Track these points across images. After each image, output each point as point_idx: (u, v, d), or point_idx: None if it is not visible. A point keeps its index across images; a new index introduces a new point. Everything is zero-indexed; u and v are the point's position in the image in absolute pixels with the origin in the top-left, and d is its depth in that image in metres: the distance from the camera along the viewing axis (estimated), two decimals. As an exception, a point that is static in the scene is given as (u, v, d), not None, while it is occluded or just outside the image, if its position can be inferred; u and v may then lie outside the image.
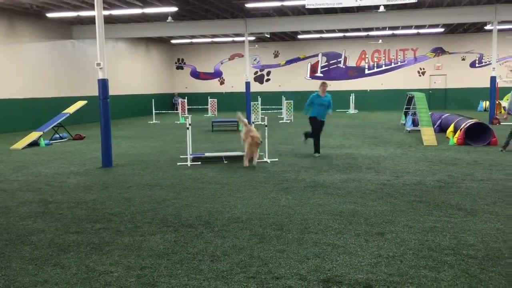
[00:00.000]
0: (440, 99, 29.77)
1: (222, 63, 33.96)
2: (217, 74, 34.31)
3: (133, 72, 29.28)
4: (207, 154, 11.22)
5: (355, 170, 9.56)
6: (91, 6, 17.38)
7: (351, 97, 29.39)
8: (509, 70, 28.92)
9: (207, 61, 34.32)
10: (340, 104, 30.36)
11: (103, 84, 10.61)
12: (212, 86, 34.29)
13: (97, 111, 10.87)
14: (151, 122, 24.78)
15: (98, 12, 10.50)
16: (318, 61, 32.42)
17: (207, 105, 29.85)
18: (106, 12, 18.98)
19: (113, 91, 19.13)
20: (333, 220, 6.02)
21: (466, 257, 4.67)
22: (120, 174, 9.63)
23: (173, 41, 31.75)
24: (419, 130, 14.92)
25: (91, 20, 21.48)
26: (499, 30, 22.06)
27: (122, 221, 6.17)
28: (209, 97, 31.13)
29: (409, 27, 25.29)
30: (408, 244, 5.09)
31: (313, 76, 32.57)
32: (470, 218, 6.05)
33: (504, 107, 22.43)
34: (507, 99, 23.48)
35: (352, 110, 29.06)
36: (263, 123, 11.51)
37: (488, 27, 21.50)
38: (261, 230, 5.64)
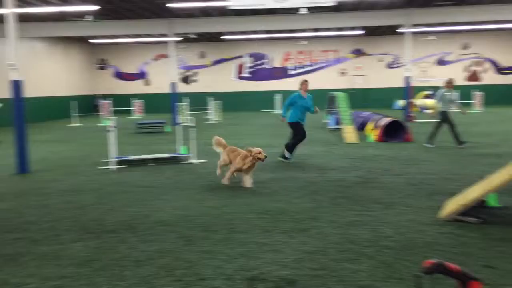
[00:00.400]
0: (360, 98, 31.11)
1: (147, 64, 33.27)
2: (141, 75, 33.56)
3: (52, 73, 27.89)
4: (131, 157, 10.95)
5: (281, 169, 9.75)
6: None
7: (277, 97, 29.93)
8: (421, 71, 30.83)
9: (131, 62, 33.47)
10: (267, 105, 30.83)
11: (17, 86, 10.02)
12: (137, 87, 33.48)
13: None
14: (72, 125, 23.74)
15: (9, 10, 9.90)
16: (244, 62, 32.70)
17: (132, 107, 29.10)
18: (21, 10, 17.92)
19: (30, 92, 18.10)
20: (259, 219, 6.10)
21: (384, 248, 4.92)
22: (37, 181, 9.13)
23: (93, 41, 30.61)
24: (341, 128, 15.50)
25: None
26: (413, 33, 23.45)
27: (40, 229, 5.86)
28: (131, 98, 30.35)
29: (331, 29, 26.19)
30: (331, 239, 5.27)
31: (240, 77, 32.81)
32: (387, 211, 6.38)
33: (415, 105, 23.86)
34: (421, 98, 25.05)
35: (278, 110, 29.60)
36: (190, 124, 11.38)
37: (402, 30, 22.77)
38: (188, 232, 5.59)
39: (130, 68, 33.58)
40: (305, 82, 10.78)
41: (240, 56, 32.71)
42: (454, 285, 1.55)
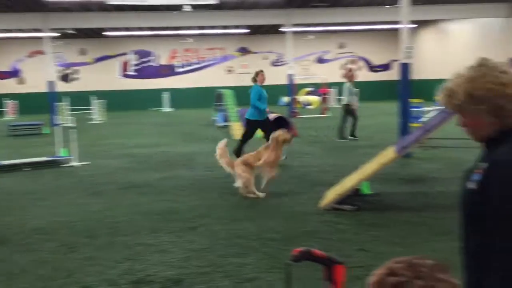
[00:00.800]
0: (247, 95, 31.73)
1: (20, 61, 30.72)
2: (14, 73, 30.92)
3: None
4: (2, 162, 10.05)
5: (169, 168, 9.62)
6: None
7: (165, 95, 29.45)
8: (303, 68, 32.37)
9: (2, 59, 30.66)
10: (155, 103, 30.19)
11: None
12: (10, 86, 30.78)
13: None
14: None
15: None
16: (129, 59, 31.66)
17: (5, 108, 26.72)
18: None
19: None
20: (146, 220, 5.97)
21: (269, 240, 5.10)
22: None
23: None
24: (229, 125, 15.71)
25: None
26: (294, 32, 24.50)
27: None
28: (3, 98, 27.86)
29: (216, 27, 26.38)
30: (218, 235, 5.33)
31: (125, 74, 31.69)
32: (272, 203, 6.62)
33: (298, 101, 24.98)
34: (304, 94, 26.30)
35: (166, 108, 29.15)
36: (70, 124, 10.75)
37: (282, 29, 23.70)
38: (69, 239, 5.29)
39: (1, 65, 30.76)
40: (261, 73, 9.45)
41: (124, 53, 31.58)
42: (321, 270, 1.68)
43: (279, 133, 7.29)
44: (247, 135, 9.48)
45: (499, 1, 21.38)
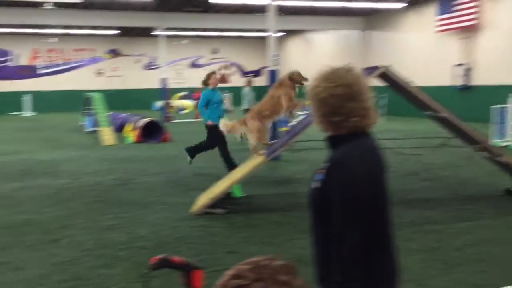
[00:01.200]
0: (118, 99, 30.56)
1: None
2: None
3: None
4: None
5: (29, 177, 8.86)
6: None
7: (26, 98, 27.08)
8: (177, 73, 32.14)
9: None
10: (13, 107, 27.60)
11: None
12: None
13: None
14: None
15: None
16: (-18, 58, 28.58)
17: None
18: None
19: None
20: (0, 235, 5.42)
21: (139, 249, 4.95)
22: None
23: None
24: (99, 130, 14.97)
25: None
26: (168, 36, 24.21)
27: None
28: None
29: (84, 27, 25.01)
30: (84, 246, 5.04)
31: (-23, 75, 28.53)
32: (143, 211, 6.44)
33: (172, 106, 24.73)
34: (177, 99, 26.12)
35: (27, 112, 26.83)
36: None
37: (156, 32, 23.30)
38: None
39: None
40: (213, 75, 8.53)
41: (-24, 52, 28.45)
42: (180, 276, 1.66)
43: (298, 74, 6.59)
44: (215, 140, 8.24)
45: (356, 15, 23.44)
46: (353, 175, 1.77)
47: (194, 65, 33.04)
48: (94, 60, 30.80)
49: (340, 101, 1.84)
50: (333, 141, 1.91)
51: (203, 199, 6.50)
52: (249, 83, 14.49)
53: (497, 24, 16.69)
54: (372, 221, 1.79)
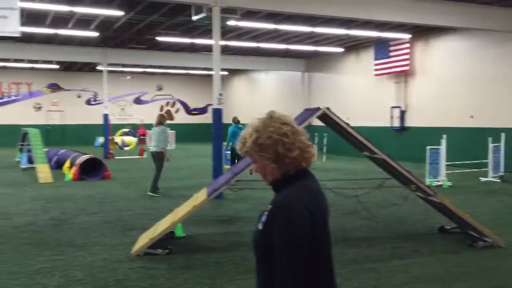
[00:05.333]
0: (58, 135, 29.53)
1: None
2: None
3: None
4: None
5: (-46, 218, 8.28)
6: None
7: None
8: (121, 109, 31.62)
9: None
10: None
11: None
12: None
13: None
14: None
15: None
16: None
17: None
18: None
19: None
20: None
21: (73, 293, 4.72)
22: None
23: None
24: (35, 167, 14.33)
25: None
26: (110, 71, 23.89)
27: None
28: None
29: (22, 60, 24.26)
30: (13, 293, 4.74)
31: None
32: (80, 252, 6.17)
33: (116, 142, 24.23)
34: (120, 135, 25.60)
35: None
36: None
37: (99, 67, 22.99)
38: None
39: None
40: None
41: None
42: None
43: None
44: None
45: (299, 57, 24.28)
46: (293, 218, 1.81)
47: (138, 101, 32.69)
48: (32, 94, 29.77)
49: (274, 146, 1.91)
50: (276, 185, 1.97)
51: (144, 239, 6.33)
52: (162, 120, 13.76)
53: (428, 70, 17.84)
54: (312, 263, 1.83)
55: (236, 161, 13.12)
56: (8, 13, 8.83)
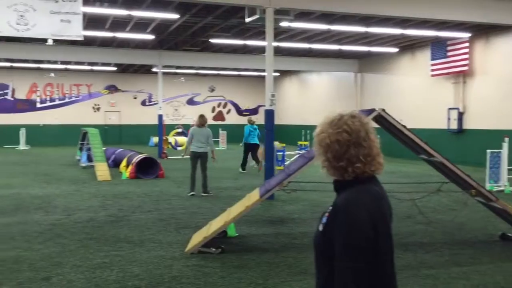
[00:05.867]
0: (115, 134, 30.66)
1: None
2: None
3: None
4: None
5: (21, 212, 8.78)
6: None
7: (21, 131, 27.10)
8: (174, 109, 32.38)
9: None
10: (10, 140, 27.59)
11: None
12: None
13: None
14: None
15: None
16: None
17: None
18: None
19: None
20: (-11, 272, 5.32)
21: (131, 288, 4.88)
22: None
23: None
24: (94, 165, 14.93)
25: None
26: (165, 73, 24.53)
27: None
28: None
29: (82, 63, 25.36)
30: (75, 285, 4.96)
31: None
32: (137, 249, 6.36)
33: (170, 142, 24.83)
34: (173, 135, 26.20)
35: (22, 146, 26.78)
36: None
37: (154, 69, 23.66)
38: None
39: None
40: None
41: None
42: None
43: None
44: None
45: (351, 58, 23.94)
46: (353, 221, 1.79)
47: (191, 102, 33.34)
48: (91, 95, 31.04)
49: (344, 147, 1.88)
50: (338, 186, 1.95)
51: (197, 237, 6.45)
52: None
53: (489, 70, 17.08)
54: (373, 267, 1.80)
55: (250, 156, 15.54)
56: (71, 18, 9.26)
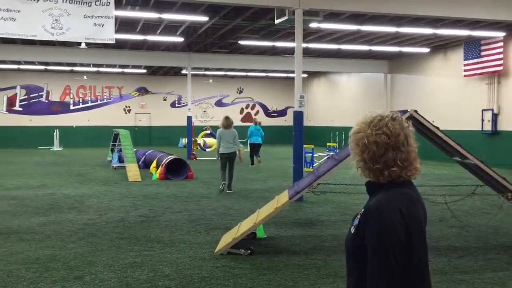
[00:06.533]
0: (145, 136, 31.15)
1: None
2: None
3: None
4: None
5: (55, 211, 9.00)
6: None
7: (55, 133, 27.83)
8: (203, 111, 32.66)
9: None
10: (45, 141, 28.37)
11: None
12: None
13: None
14: None
15: None
16: (16, 93, 29.64)
17: None
18: None
19: None
20: (26, 270, 5.47)
21: (162, 287, 4.93)
22: None
23: None
24: (125, 166, 15.19)
25: None
26: (194, 75, 24.78)
27: None
28: None
29: (114, 65, 25.85)
30: (107, 284, 5.05)
31: (10, 110, 29.51)
32: (167, 249, 6.43)
33: (199, 144, 25.04)
34: (202, 136, 26.41)
35: (56, 147, 27.49)
36: None
37: (183, 71, 23.92)
38: None
39: None
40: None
41: (13, 87, 29.53)
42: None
43: None
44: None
45: (381, 59, 23.63)
46: (385, 224, 1.77)
47: (219, 103, 33.54)
48: (122, 98, 31.59)
49: (382, 149, 1.85)
50: (372, 188, 1.92)
51: (227, 238, 6.48)
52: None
53: (525, 70, 16.58)
54: (406, 271, 1.78)
55: (254, 155, 17.89)
56: (104, 22, 9.45)
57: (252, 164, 17.72)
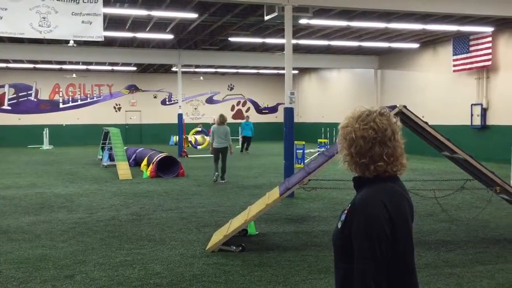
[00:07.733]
0: (136, 134, 31.02)
1: None
2: None
3: None
4: None
5: (45, 211, 8.94)
6: None
7: (45, 132, 27.62)
8: (193, 108, 32.57)
9: None
10: (34, 140, 28.14)
11: None
12: None
13: None
14: None
15: None
16: (5, 92, 29.35)
17: None
18: None
19: None
20: (16, 269, 5.44)
21: (153, 286, 4.92)
22: None
23: None
24: (115, 164, 15.12)
25: None
26: (184, 72, 24.70)
27: None
28: None
29: (103, 63, 25.68)
30: (98, 283, 5.03)
31: (-1, 108, 29.24)
32: (158, 247, 6.42)
33: (190, 141, 24.97)
34: (193, 134, 26.34)
35: (46, 146, 27.28)
36: None
37: (174, 68, 23.84)
38: None
39: None
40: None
41: (1, 86, 29.23)
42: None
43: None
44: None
45: (371, 54, 23.71)
46: (370, 216, 1.78)
47: (210, 100, 33.47)
48: (112, 95, 31.41)
49: (369, 144, 1.85)
50: (358, 183, 1.93)
51: (218, 235, 6.48)
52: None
53: (513, 65, 16.73)
54: (392, 266, 1.79)
55: (244, 146, 22.62)
56: (92, 19, 9.38)
57: (241, 151, 22.26)
